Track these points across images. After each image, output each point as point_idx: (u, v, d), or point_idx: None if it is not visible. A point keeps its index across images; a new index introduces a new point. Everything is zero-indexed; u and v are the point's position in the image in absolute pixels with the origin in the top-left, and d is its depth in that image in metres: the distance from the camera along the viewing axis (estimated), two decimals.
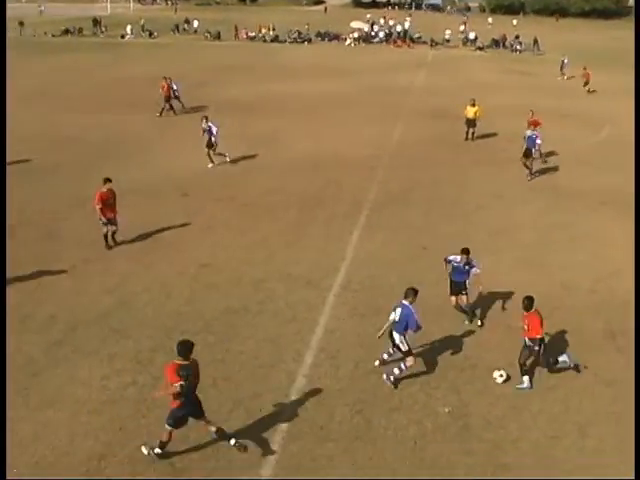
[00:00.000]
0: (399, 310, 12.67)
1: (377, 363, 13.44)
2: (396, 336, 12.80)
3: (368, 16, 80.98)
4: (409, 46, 67.03)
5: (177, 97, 35.31)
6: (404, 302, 12.69)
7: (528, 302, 12.72)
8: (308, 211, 21.58)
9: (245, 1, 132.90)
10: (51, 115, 34.14)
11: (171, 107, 34.69)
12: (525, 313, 12.77)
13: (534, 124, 26.54)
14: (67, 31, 73.77)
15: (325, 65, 53.04)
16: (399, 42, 68.41)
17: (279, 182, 24.23)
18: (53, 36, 72.24)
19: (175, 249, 18.72)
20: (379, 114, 35.47)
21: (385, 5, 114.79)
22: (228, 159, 26.12)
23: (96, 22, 75.62)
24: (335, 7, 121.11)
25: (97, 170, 25.13)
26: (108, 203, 18.08)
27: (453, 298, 15.14)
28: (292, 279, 16.86)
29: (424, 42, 68.16)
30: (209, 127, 25.45)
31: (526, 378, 12.91)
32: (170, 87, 34.90)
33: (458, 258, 14.80)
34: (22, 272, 17.10)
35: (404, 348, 12.83)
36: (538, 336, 12.65)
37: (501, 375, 13.01)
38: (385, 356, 13.38)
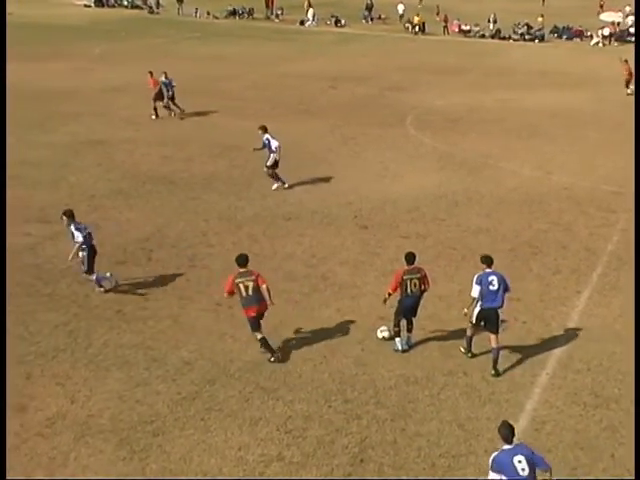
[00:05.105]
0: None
1: None
2: None
3: (628, 8, 79.32)
4: None
5: (171, 98, 36.38)
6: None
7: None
8: (521, 261, 21.53)
9: None
10: (205, 117, 36.32)
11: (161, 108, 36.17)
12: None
13: None
14: (234, 12, 78.25)
15: (559, 70, 52.63)
16: None
17: (487, 220, 24.36)
18: (216, 18, 76.93)
19: (347, 294, 19.31)
20: (628, 139, 34.64)
21: None
22: (286, 185, 26.67)
23: (268, 3, 79.55)
24: None
25: (257, 185, 26.75)
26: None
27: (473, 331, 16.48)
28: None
29: None
30: (267, 140, 26.26)
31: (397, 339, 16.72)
32: (161, 84, 36.01)
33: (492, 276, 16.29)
34: (156, 306, 18.37)
35: None
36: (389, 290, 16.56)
37: (384, 336, 16.92)
38: None
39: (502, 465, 10.72)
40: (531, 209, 25.49)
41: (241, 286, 15.91)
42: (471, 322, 16.39)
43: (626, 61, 44.44)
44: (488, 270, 16.34)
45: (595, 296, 19.53)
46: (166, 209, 24.53)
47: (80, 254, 18.87)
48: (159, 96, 36.10)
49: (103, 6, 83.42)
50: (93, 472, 12.85)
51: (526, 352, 16.78)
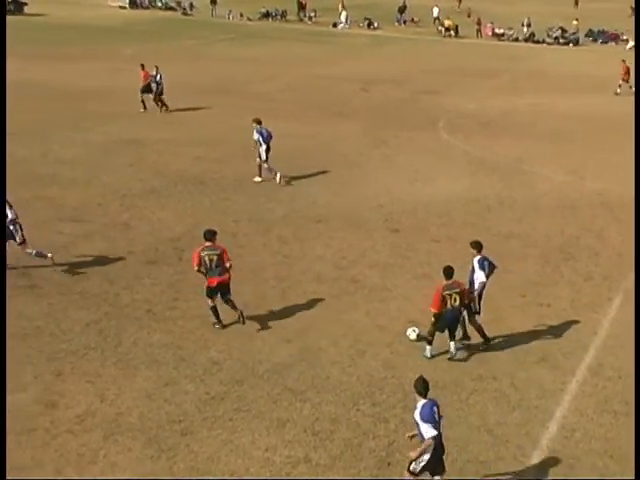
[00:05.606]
0: None
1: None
2: None
3: None
4: None
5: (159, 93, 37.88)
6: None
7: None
8: (553, 266, 21.43)
9: None
10: (238, 118, 36.37)
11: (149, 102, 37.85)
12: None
13: None
14: (267, 14, 78.51)
15: (593, 74, 52.29)
16: None
17: (519, 225, 24.27)
18: (249, 20, 77.20)
19: (377, 297, 19.32)
20: None
21: None
22: (257, 179, 27.34)
23: (301, 5, 79.66)
24: None
25: (287, 187, 26.91)
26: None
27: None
28: (522, 353, 16.80)
29: None
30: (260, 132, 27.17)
31: (428, 347, 16.58)
32: (150, 77, 37.80)
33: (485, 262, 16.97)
34: (185, 305, 18.47)
35: None
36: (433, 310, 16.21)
37: (414, 330, 16.99)
38: None
39: (429, 416, 11.69)
40: (563, 214, 25.37)
41: (206, 259, 17.16)
42: (478, 313, 16.80)
43: (624, 61, 46.02)
44: (480, 255, 16.81)
45: (627, 303, 19.32)
46: (197, 209, 24.65)
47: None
48: (147, 89, 37.56)
49: (137, 7, 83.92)
50: (121, 470, 12.94)
51: (556, 359, 16.71)
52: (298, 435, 13.94)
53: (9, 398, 14.53)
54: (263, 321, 17.79)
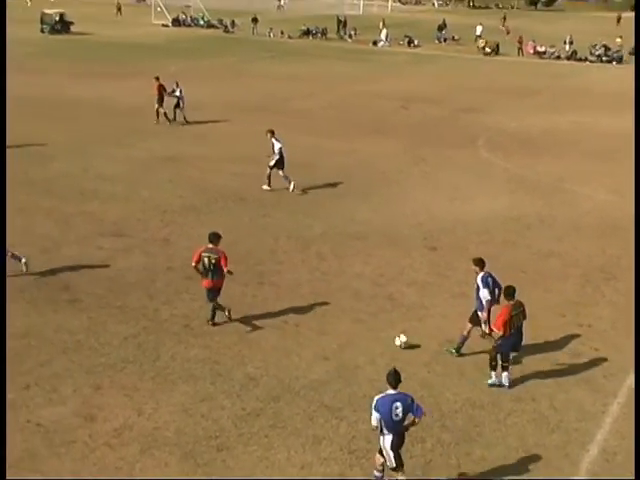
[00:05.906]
0: None
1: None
2: None
3: None
4: None
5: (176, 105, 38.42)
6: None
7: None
8: (594, 286, 21.23)
9: (536, 5, 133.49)
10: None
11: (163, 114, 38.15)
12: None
13: None
14: (308, 32, 79.00)
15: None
16: None
17: (559, 244, 24.08)
18: (290, 37, 77.70)
19: (414, 315, 19.25)
20: None
21: None
22: (291, 187, 27.86)
23: (341, 23, 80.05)
24: None
25: (325, 203, 26.87)
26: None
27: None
28: (562, 374, 16.63)
29: None
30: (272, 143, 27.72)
31: (493, 373, 16.09)
32: (164, 90, 37.95)
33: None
34: (223, 320, 18.49)
35: None
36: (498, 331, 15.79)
37: (400, 337, 17.41)
38: None
39: (382, 406, 12.17)
40: (605, 234, 25.15)
41: (205, 260, 17.77)
42: (489, 333, 16.71)
43: None
44: (483, 273, 16.78)
45: None
46: (236, 226, 24.72)
47: None
48: (161, 101, 37.81)
49: (180, 25, 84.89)
50: None
51: (597, 380, 16.54)
52: (334, 453, 13.90)
53: (50, 411, 14.70)
54: (300, 337, 17.79)
